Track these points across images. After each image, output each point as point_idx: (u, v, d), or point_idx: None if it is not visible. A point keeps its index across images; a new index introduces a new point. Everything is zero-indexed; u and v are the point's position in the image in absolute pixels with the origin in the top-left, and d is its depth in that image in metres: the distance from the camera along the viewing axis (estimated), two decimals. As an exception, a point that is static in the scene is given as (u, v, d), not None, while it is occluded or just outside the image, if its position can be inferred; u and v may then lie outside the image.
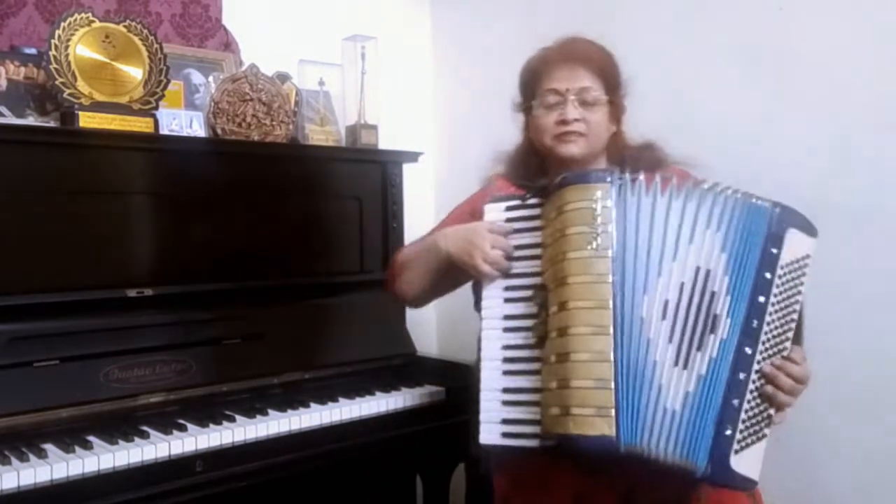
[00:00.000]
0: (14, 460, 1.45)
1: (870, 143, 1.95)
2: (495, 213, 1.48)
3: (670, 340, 1.33)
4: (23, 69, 1.91)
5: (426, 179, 2.87)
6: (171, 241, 1.92)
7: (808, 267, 1.39)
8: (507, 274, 1.43)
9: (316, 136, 2.39)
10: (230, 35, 2.40)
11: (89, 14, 1.91)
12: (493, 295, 1.44)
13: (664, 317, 1.33)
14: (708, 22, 2.22)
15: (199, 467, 1.63)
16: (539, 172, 1.58)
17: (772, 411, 1.37)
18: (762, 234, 1.37)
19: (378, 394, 1.96)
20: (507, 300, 1.43)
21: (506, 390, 1.40)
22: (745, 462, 1.34)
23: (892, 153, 1.92)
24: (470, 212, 1.62)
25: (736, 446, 1.32)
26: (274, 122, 2.17)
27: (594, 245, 1.34)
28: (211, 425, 1.69)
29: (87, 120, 1.85)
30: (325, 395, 1.91)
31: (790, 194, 2.05)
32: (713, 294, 1.34)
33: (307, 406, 1.85)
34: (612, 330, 1.31)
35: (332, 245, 2.21)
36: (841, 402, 2.00)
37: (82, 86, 1.87)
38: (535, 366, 1.38)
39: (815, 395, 2.03)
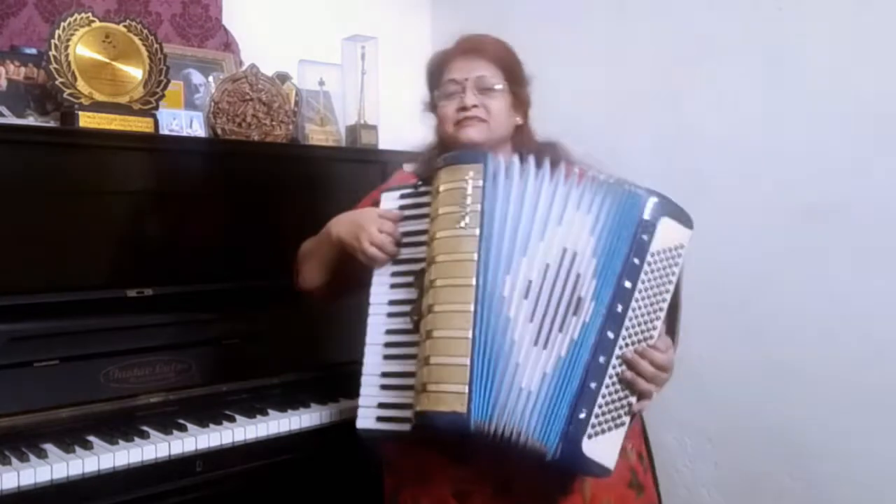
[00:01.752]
0: (14, 460, 1.45)
1: (870, 142, 1.95)
2: (390, 201, 1.50)
3: (531, 320, 1.32)
4: (23, 69, 1.91)
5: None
6: (172, 241, 1.92)
7: (680, 257, 1.38)
8: (395, 260, 1.44)
9: (316, 136, 2.39)
10: (230, 35, 2.40)
11: (89, 14, 1.91)
12: (381, 282, 1.45)
13: (526, 296, 1.32)
14: (708, 22, 2.22)
15: (199, 467, 1.63)
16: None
17: (632, 399, 1.35)
18: (634, 221, 1.35)
19: (378, 394, 1.96)
20: (393, 286, 1.44)
21: (384, 374, 1.41)
22: (600, 448, 1.32)
23: (893, 153, 1.92)
24: (371, 204, 1.62)
25: (590, 430, 1.30)
26: (274, 122, 2.17)
27: (462, 224, 1.34)
28: (211, 425, 1.69)
29: (87, 120, 1.85)
30: (326, 394, 1.91)
31: (790, 194, 2.07)
32: (578, 276, 1.33)
33: (307, 406, 1.85)
34: (472, 307, 1.30)
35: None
36: (841, 402, 2.00)
37: (82, 86, 1.87)
38: (412, 350, 1.38)
39: (816, 394, 2.05)
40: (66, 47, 1.85)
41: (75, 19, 1.88)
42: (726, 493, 2.17)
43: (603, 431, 1.32)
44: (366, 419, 1.41)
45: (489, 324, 1.31)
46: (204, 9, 2.35)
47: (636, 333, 1.35)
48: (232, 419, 1.74)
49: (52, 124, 1.87)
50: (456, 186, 1.37)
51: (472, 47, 1.58)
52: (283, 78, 2.27)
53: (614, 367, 1.33)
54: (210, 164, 2.00)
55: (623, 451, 1.39)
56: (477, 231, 1.33)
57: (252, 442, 1.71)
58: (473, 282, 1.31)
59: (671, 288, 1.38)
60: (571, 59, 2.42)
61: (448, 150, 1.56)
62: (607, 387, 1.33)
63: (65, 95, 1.84)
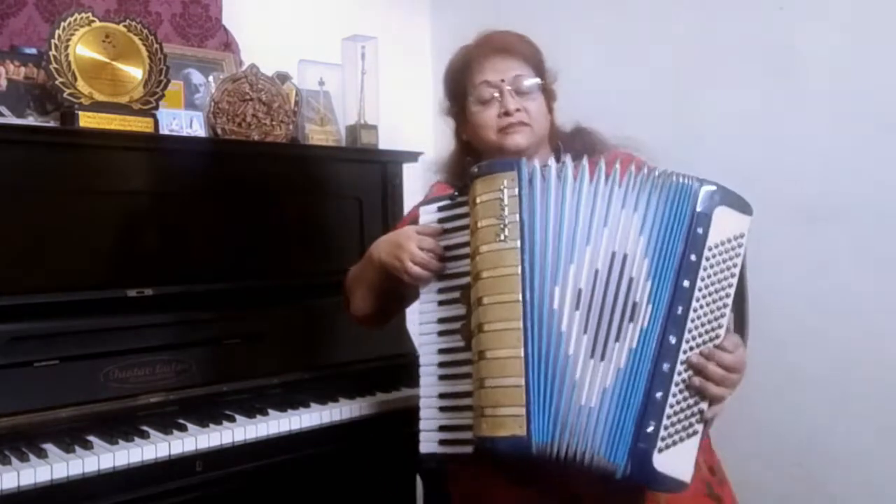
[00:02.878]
0: (14, 460, 1.45)
1: (870, 142, 1.95)
2: (428, 215, 1.43)
3: (585, 331, 1.25)
4: (23, 69, 1.91)
5: (426, 179, 2.87)
6: (171, 241, 1.91)
7: (741, 247, 1.30)
8: (440, 276, 1.38)
9: (316, 136, 2.39)
10: (230, 35, 2.40)
11: (89, 14, 1.91)
12: (429, 299, 1.39)
13: (578, 307, 1.25)
14: (708, 22, 2.22)
15: (199, 467, 1.63)
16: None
17: (703, 405, 1.28)
18: (686, 214, 1.27)
19: (378, 394, 1.96)
20: (441, 303, 1.38)
21: (441, 396, 1.35)
22: (672, 461, 1.24)
23: (893, 153, 1.92)
24: (411, 221, 1.56)
25: (660, 444, 1.23)
26: (274, 122, 2.17)
27: (502, 237, 1.27)
28: (211, 425, 1.69)
29: (87, 120, 1.85)
30: (326, 394, 1.91)
31: (790, 194, 2.06)
32: (631, 280, 1.26)
33: (307, 406, 1.85)
34: (521, 324, 1.24)
35: (332, 245, 2.21)
36: (841, 402, 2.00)
37: (82, 86, 1.86)
38: (466, 368, 1.31)
39: (816, 394, 2.05)
40: (66, 47, 1.85)
41: (75, 19, 1.88)
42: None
43: (675, 443, 1.25)
44: (428, 443, 1.34)
45: (542, 340, 1.24)
46: (204, 9, 2.35)
47: (701, 335, 1.28)
48: (232, 419, 1.74)
49: (52, 124, 1.87)
50: (492, 197, 1.29)
51: (502, 46, 1.51)
52: (283, 78, 2.27)
53: (680, 374, 1.25)
54: (210, 164, 2.00)
55: (696, 464, 1.30)
56: (517, 243, 1.26)
57: (252, 442, 1.71)
58: (520, 297, 1.24)
59: (734, 281, 1.29)
60: (571, 58, 2.41)
61: (486, 157, 1.51)
62: (674, 395, 1.25)
63: (65, 95, 1.84)
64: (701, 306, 1.27)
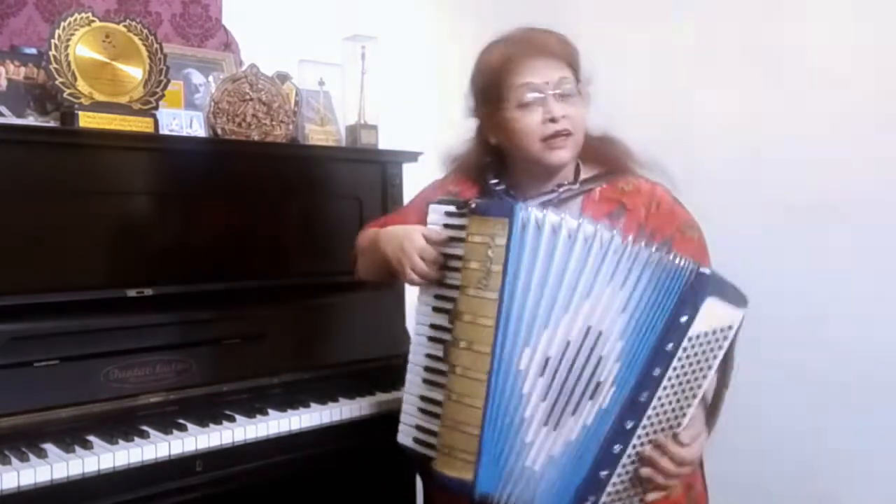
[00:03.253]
0: (14, 460, 1.45)
1: (870, 142, 1.95)
2: (436, 215, 1.41)
3: (544, 399, 1.26)
4: (23, 69, 1.91)
5: (426, 179, 2.87)
6: (171, 241, 1.91)
7: (727, 339, 1.27)
8: (439, 283, 1.38)
9: (316, 136, 2.38)
10: (230, 35, 2.40)
11: (89, 14, 1.91)
12: (425, 301, 1.41)
13: (542, 374, 1.26)
14: (708, 22, 2.23)
15: (199, 467, 1.63)
16: (498, 174, 1.49)
17: (647, 496, 1.31)
18: (673, 301, 1.23)
19: (378, 394, 1.96)
20: (435, 309, 1.39)
21: (423, 398, 1.39)
22: None
23: (893, 153, 1.92)
24: (419, 211, 1.53)
25: None
26: (274, 122, 2.17)
27: (484, 284, 1.27)
28: (211, 425, 1.69)
29: (87, 120, 1.85)
30: (326, 394, 1.91)
31: (790, 194, 2.07)
32: (600, 359, 1.25)
33: (307, 406, 1.85)
34: (486, 378, 1.26)
35: (333, 245, 2.21)
36: (841, 401, 2.00)
37: (82, 86, 1.86)
38: (445, 380, 1.35)
39: (816, 394, 2.05)
40: (66, 47, 1.85)
41: (75, 19, 1.88)
42: (727, 494, 2.17)
43: None
44: (405, 436, 1.41)
45: (502, 397, 1.27)
46: (204, 9, 2.35)
47: (661, 422, 1.27)
48: (232, 419, 1.74)
49: (52, 124, 1.87)
50: (482, 241, 1.29)
51: (544, 46, 1.42)
52: (283, 78, 2.27)
53: (630, 457, 1.27)
54: (210, 164, 2.00)
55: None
56: (496, 295, 1.26)
57: (252, 442, 1.71)
58: (489, 349, 1.27)
59: (710, 373, 1.28)
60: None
61: (514, 164, 1.47)
62: (619, 476, 1.28)
63: (65, 95, 1.84)
64: (668, 395, 1.26)
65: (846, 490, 2.01)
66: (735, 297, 1.28)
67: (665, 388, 1.25)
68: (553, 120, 1.38)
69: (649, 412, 1.25)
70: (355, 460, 1.91)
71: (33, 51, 1.95)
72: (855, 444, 1.98)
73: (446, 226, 1.38)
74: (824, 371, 2.03)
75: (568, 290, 1.25)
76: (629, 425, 1.26)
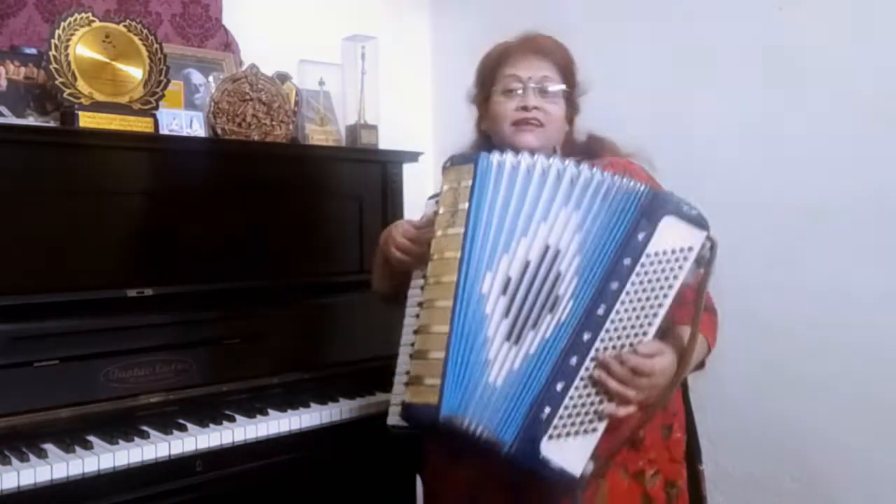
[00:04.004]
0: (14, 460, 1.45)
1: (870, 142, 1.95)
2: (427, 208, 1.53)
3: (506, 316, 1.31)
4: (23, 69, 1.91)
5: (426, 179, 2.87)
6: (172, 241, 1.91)
7: (687, 261, 1.28)
8: (424, 263, 1.42)
9: (316, 136, 2.39)
10: (230, 35, 2.40)
11: (89, 14, 1.91)
12: (414, 284, 1.47)
13: (504, 292, 1.32)
14: (708, 22, 2.22)
15: (199, 467, 1.63)
16: None
17: (602, 406, 1.29)
18: (629, 219, 1.30)
19: (378, 394, 1.96)
20: (423, 288, 1.43)
21: (407, 373, 1.40)
22: (562, 451, 1.27)
23: (893, 153, 1.92)
24: None
25: (552, 431, 1.27)
26: (274, 122, 2.17)
27: (451, 222, 1.35)
28: (211, 425, 1.69)
29: (87, 120, 1.85)
30: (326, 394, 1.92)
31: (790, 194, 2.06)
32: (559, 274, 1.31)
33: (307, 406, 1.85)
34: (451, 304, 1.31)
35: (332, 245, 2.21)
36: (840, 401, 2.00)
37: (82, 86, 1.87)
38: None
39: (816, 394, 2.05)
40: (66, 47, 1.85)
41: (75, 19, 1.88)
42: (727, 493, 2.17)
43: (567, 434, 1.28)
44: (393, 416, 1.42)
45: (466, 320, 1.31)
46: (204, 9, 2.35)
47: (620, 337, 1.29)
48: (232, 419, 1.74)
49: (52, 124, 1.87)
50: (451, 187, 1.38)
51: (538, 47, 1.55)
52: (283, 78, 2.27)
53: (587, 370, 1.29)
54: (210, 164, 2.00)
55: (641, 473, 1.40)
56: (461, 230, 1.34)
57: (252, 442, 1.71)
58: (455, 278, 1.32)
59: (671, 293, 1.29)
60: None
61: (497, 148, 1.52)
62: (577, 389, 1.28)
63: (65, 95, 1.84)
64: (626, 310, 1.29)
65: (846, 490, 2.01)
66: (694, 218, 1.30)
67: (623, 302, 1.28)
68: (525, 108, 1.51)
69: (607, 325, 1.29)
70: (355, 460, 1.91)
71: (33, 51, 1.95)
72: (855, 444, 1.98)
73: (435, 212, 1.46)
74: (824, 371, 2.03)
75: (527, 216, 1.34)
76: (586, 337, 1.29)
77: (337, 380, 1.99)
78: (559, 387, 1.28)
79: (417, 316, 1.40)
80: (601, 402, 1.30)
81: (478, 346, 1.31)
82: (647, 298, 1.29)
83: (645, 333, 1.30)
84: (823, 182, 2.02)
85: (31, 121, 1.87)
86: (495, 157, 1.37)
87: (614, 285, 1.28)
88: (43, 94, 1.92)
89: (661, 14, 2.32)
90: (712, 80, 2.21)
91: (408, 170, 2.39)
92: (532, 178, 1.35)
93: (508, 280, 1.32)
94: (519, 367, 1.30)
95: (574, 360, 1.29)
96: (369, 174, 2.30)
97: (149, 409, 1.74)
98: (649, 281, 1.29)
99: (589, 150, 1.57)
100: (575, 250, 1.31)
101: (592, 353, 1.29)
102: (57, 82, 1.83)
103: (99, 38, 1.91)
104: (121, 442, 1.56)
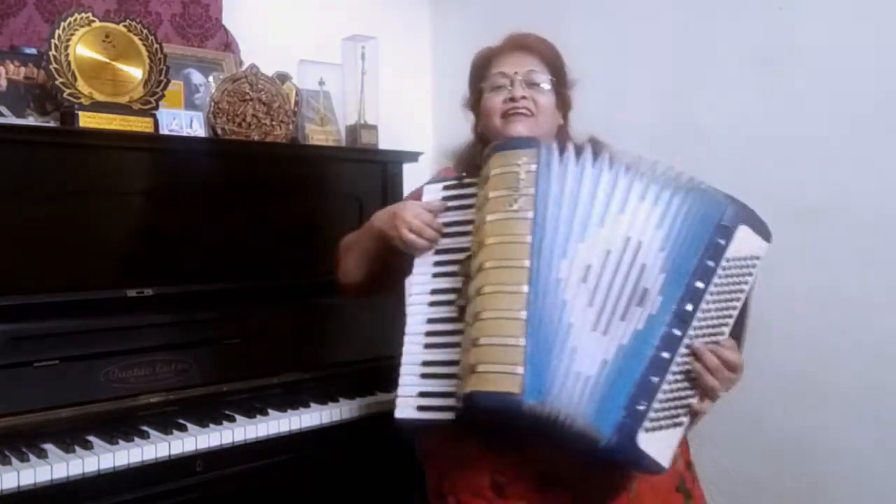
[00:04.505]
0: (14, 460, 1.45)
1: (870, 142, 1.95)
2: (432, 193, 1.49)
3: (590, 304, 1.30)
4: (23, 69, 1.91)
5: (426, 179, 2.87)
6: (171, 241, 1.91)
7: (755, 268, 1.36)
8: (437, 249, 1.43)
9: (316, 136, 2.39)
10: (230, 35, 2.40)
11: (89, 14, 1.91)
12: (423, 272, 1.44)
13: (585, 280, 1.30)
14: (708, 22, 2.22)
15: (199, 467, 1.63)
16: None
17: (693, 400, 1.33)
18: (712, 224, 1.34)
19: (378, 394, 1.96)
20: (436, 275, 1.43)
21: (425, 363, 1.38)
22: (655, 443, 1.30)
23: (893, 153, 1.92)
24: (415, 199, 1.60)
25: (647, 424, 1.29)
26: (274, 122, 2.17)
27: (514, 207, 1.32)
28: (211, 425, 1.69)
29: (87, 120, 1.85)
30: (326, 394, 1.92)
31: (790, 194, 2.06)
32: (643, 266, 1.31)
33: (307, 406, 1.85)
34: (526, 288, 1.27)
35: (333, 245, 2.19)
36: (840, 402, 2.00)
37: (82, 86, 1.87)
38: (455, 338, 1.36)
39: (816, 395, 2.04)
40: (66, 47, 1.85)
41: (75, 19, 1.88)
42: (727, 493, 2.17)
43: (660, 427, 1.30)
44: (405, 408, 1.37)
45: (544, 305, 1.28)
46: (204, 9, 2.35)
47: (704, 335, 1.33)
48: (232, 419, 1.74)
49: (52, 124, 1.87)
50: (508, 171, 1.35)
51: (522, 44, 1.58)
52: (283, 78, 2.27)
53: (678, 365, 1.31)
54: (210, 164, 2.00)
55: (674, 458, 1.38)
56: (530, 214, 1.31)
57: (252, 442, 1.71)
58: (527, 263, 1.29)
59: (742, 297, 1.36)
60: (571, 59, 2.42)
61: (482, 147, 1.54)
62: (669, 383, 1.31)
63: (65, 95, 1.84)
64: (709, 309, 1.33)
65: (847, 490, 2.01)
66: (763, 229, 1.38)
67: (707, 301, 1.32)
68: (513, 99, 1.52)
69: (694, 322, 1.32)
70: (355, 460, 1.91)
71: (33, 51, 1.95)
72: (854, 444, 1.98)
73: (444, 198, 1.47)
74: (824, 371, 2.03)
75: (601, 206, 1.34)
76: (678, 333, 1.31)
77: (337, 380, 1.99)
78: (654, 380, 1.30)
79: (433, 303, 1.39)
80: (688, 396, 1.33)
81: (561, 334, 1.29)
82: (724, 300, 1.35)
83: (722, 333, 1.35)
84: (824, 182, 2.01)
85: (31, 121, 1.87)
86: (555, 145, 1.38)
87: (700, 284, 1.32)
88: (43, 94, 1.92)
89: (661, 14, 2.32)
90: (712, 80, 2.21)
91: (408, 170, 2.38)
92: (601, 169, 1.35)
93: (588, 268, 1.31)
94: (614, 359, 1.29)
95: (666, 355, 1.31)
96: (369, 174, 2.30)
97: (149, 409, 1.74)
98: (725, 284, 1.34)
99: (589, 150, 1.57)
100: (659, 246, 1.32)
101: (682, 348, 1.32)
102: (57, 82, 1.83)
103: (99, 38, 1.91)
104: (121, 442, 1.56)
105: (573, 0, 2.51)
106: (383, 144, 2.46)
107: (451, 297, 1.40)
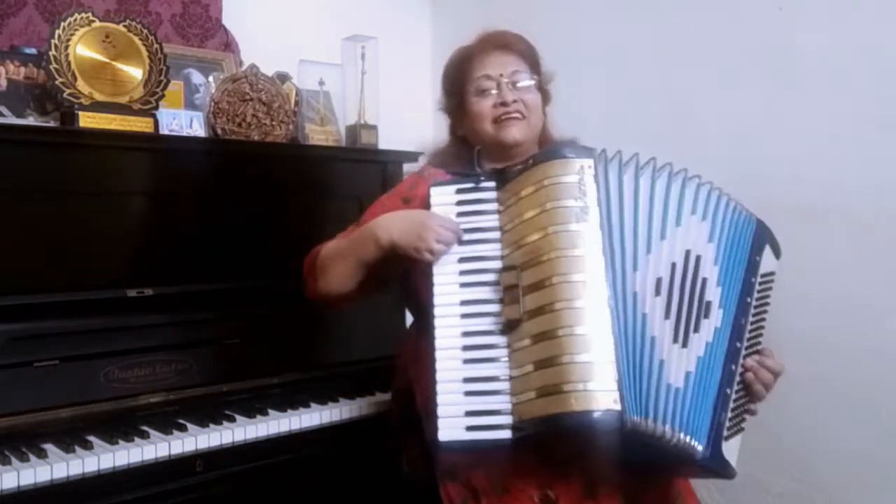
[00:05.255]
0: (14, 460, 1.45)
1: (870, 142, 1.95)
2: (443, 196, 1.40)
3: (666, 317, 1.30)
4: (23, 69, 1.91)
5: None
6: (171, 241, 1.91)
7: (774, 283, 1.46)
8: (461, 258, 1.36)
9: (316, 136, 2.39)
10: (230, 35, 2.40)
11: (89, 14, 1.91)
12: (447, 281, 1.35)
13: (658, 293, 1.30)
14: (708, 22, 2.22)
15: (199, 467, 1.63)
16: (471, 166, 1.48)
17: (751, 405, 1.42)
18: (749, 242, 1.41)
19: (378, 394, 1.96)
20: (464, 285, 1.34)
21: (468, 380, 1.28)
22: (731, 450, 1.36)
23: (893, 153, 1.92)
24: (403, 201, 1.54)
25: (726, 433, 1.34)
26: (274, 122, 2.17)
27: (577, 218, 1.28)
28: (211, 425, 1.69)
29: (87, 120, 1.85)
30: (326, 394, 1.92)
31: (790, 194, 2.06)
32: (705, 280, 1.34)
33: (307, 406, 1.85)
34: (608, 302, 1.25)
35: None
36: (840, 402, 2.00)
37: (82, 86, 1.86)
38: (498, 353, 1.29)
39: (816, 394, 2.04)
40: (66, 47, 1.85)
41: (75, 19, 1.88)
42: (727, 494, 2.17)
43: (732, 435, 1.37)
44: (452, 429, 1.27)
45: (626, 320, 1.27)
46: (204, 9, 2.35)
47: (752, 346, 1.41)
48: (232, 419, 1.74)
49: (52, 124, 1.87)
50: (567, 181, 1.30)
51: (502, 43, 1.56)
52: (283, 78, 2.27)
53: (740, 375, 1.37)
54: (210, 164, 2.00)
55: None
56: (597, 226, 1.28)
57: (252, 442, 1.71)
58: (603, 277, 1.26)
59: (768, 309, 1.45)
60: (571, 59, 2.42)
61: (482, 152, 1.51)
62: (736, 392, 1.37)
63: (65, 95, 1.84)
64: (754, 321, 1.41)
65: (847, 490, 2.01)
66: (776, 246, 1.48)
67: (753, 314, 1.40)
68: (504, 104, 1.50)
69: (747, 335, 1.38)
70: (355, 460, 1.91)
71: (33, 51, 1.95)
72: (855, 444, 1.98)
73: (460, 202, 1.39)
74: (825, 371, 2.02)
75: (659, 217, 1.33)
76: (738, 345, 1.37)
77: (337, 380, 1.99)
78: (728, 391, 1.34)
79: (466, 315, 1.31)
80: (748, 402, 1.41)
81: (647, 348, 1.28)
82: (761, 312, 1.43)
83: (760, 343, 1.43)
84: (824, 182, 2.01)
85: (31, 121, 1.87)
86: (606, 151, 1.36)
87: (748, 299, 1.39)
88: (43, 94, 1.92)
89: (661, 14, 2.32)
90: (712, 80, 2.21)
91: (408, 170, 2.38)
92: (653, 180, 1.35)
93: (659, 281, 1.31)
94: (695, 371, 1.31)
95: (733, 367, 1.36)
96: (369, 174, 2.30)
97: (149, 409, 1.73)
98: (760, 298, 1.42)
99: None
100: (713, 259, 1.36)
101: (741, 359, 1.38)
102: (57, 82, 1.83)
103: (99, 38, 1.91)
104: (121, 442, 1.56)
105: (572, 1, 2.51)
106: (383, 144, 2.46)
107: (488, 308, 1.32)
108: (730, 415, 1.35)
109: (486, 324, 1.31)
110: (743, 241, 1.40)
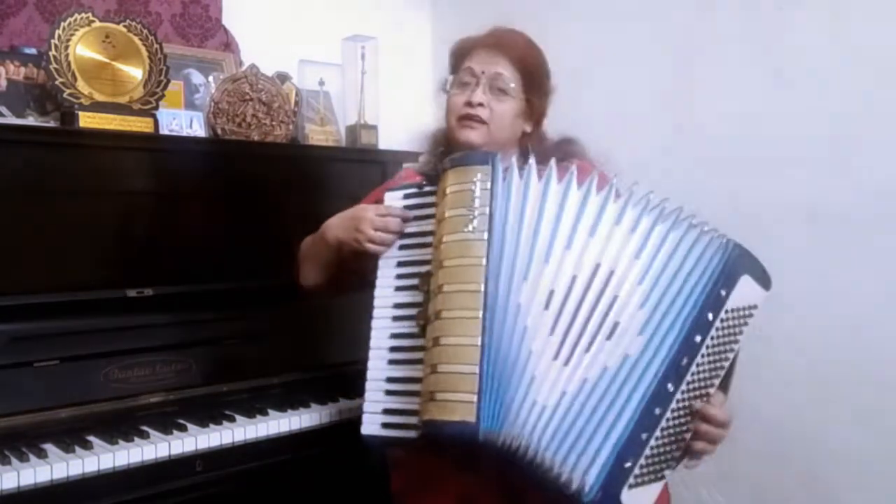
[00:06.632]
0: (14, 460, 1.45)
1: (870, 142, 1.95)
2: (393, 201, 1.44)
3: (551, 333, 1.24)
4: (23, 69, 1.91)
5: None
6: (171, 241, 1.91)
7: (752, 318, 1.30)
8: (399, 262, 1.39)
9: (316, 136, 2.39)
10: (230, 35, 2.40)
11: (89, 14, 1.91)
12: (385, 284, 1.39)
13: (547, 307, 1.25)
14: (708, 22, 2.22)
15: (199, 467, 1.63)
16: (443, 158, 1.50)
17: (678, 454, 1.29)
18: (714, 272, 1.26)
19: (378, 394, 1.95)
20: (398, 288, 1.38)
21: (389, 380, 1.35)
22: (636, 499, 1.25)
23: (893, 153, 1.92)
24: (374, 202, 1.56)
25: (632, 481, 1.24)
26: (274, 122, 2.17)
27: (470, 227, 1.27)
28: (211, 425, 1.69)
29: (87, 120, 1.85)
30: (326, 395, 1.91)
31: (790, 194, 2.06)
32: (615, 298, 1.25)
33: (307, 406, 1.85)
34: (481, 314, 1.23)
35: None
36: (840, 402, 2.00)
37: (82, 86, 1.87)
38: (418, 355, 1.32)
39: (816, 395, 2.04)
40: (66, 47, 1.85)
41: (75, 19, 1.88)
42: (727, 494, 2.17)
43: (643, 483, 1.25)
44: (371, 425, 1.36)
45: (502, 332, 1.24)
46: (204, 9, 2.35)
47: (695, 389, 1.27)
48: (232, 419, 1.74)
49: (52, 124, 1.87)
50: (463, 188, 1.30)
51: (499, 42, 1.52)
52: (283, 78, 2.27)
53: (668, 421, 1.25)
54: (210, 164, 2.00)
55: None
56: (485, 235, 1.26)
57: (252, 442, 1.71)
58: (482, 287, 1.24)
59: (736, 347, 1.30)
60: (572, 59, 2.42)
61: (450, 143, 1.52)
62: (657, 439, 1.25)
63: (65, 95, 1.84)
64: (704, 364, 1.27)
65: (848, 491, 2.01)
66: (763, 277, 1.31)
67: (703, 355, 1.25)
68: (469, 104, 1.47)
69: (688, 378, 1.25)
70: (355, 460, 1.91)
71: (33, 51, 1.95)
72: (854, 444, 1.98)
73: (407, 207, 1.42)
74: (825, 372, 2.03)
75: (567, 227, 1.27)
76: (670, 388, 1.24)
77: (337, 380, 1.99)
78: (643, 437, 1.24)
79: (396, 318, 1.35)
80: (675, 451, 1.28)
81: (520, 362, 1.24)
82: (720, 352, 1.28)
83: (713, 385, 1.29)
84: (824, 182, 2.01)
85: (31, 121, 1.87)
86: (513, 161, 1.33)
87: (697, 338, 1.25)
88: (43, 94, 1.92)
89: (662, 14, 2.32)
90: (712, 80, 2.21)
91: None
92: (567, 187, 1.29)
93: (551, 293, 1.25)
94: (575, 391, 1.23)
95: (658, 411, 1.24)
96: (369, 174, 2.29)
97: (149, 409, 1.73)
98: (722, 336, 1.28)
99: (560, 151, 1.51)
100: (636, 278, 1.25)
101: (674, 403, 1.25)
102: (57, 82, 1.83)
103: (99, 38, 1.91)
104: (121, 442, 1.56)
105: (573, 1, 2.51)
106: (383, 144, 2.46)
107: (414, 311, 1.35)
108: (645, 461, 1.24)
109: (410, 326, 1.35)
110: (706, 272, 1.25)
